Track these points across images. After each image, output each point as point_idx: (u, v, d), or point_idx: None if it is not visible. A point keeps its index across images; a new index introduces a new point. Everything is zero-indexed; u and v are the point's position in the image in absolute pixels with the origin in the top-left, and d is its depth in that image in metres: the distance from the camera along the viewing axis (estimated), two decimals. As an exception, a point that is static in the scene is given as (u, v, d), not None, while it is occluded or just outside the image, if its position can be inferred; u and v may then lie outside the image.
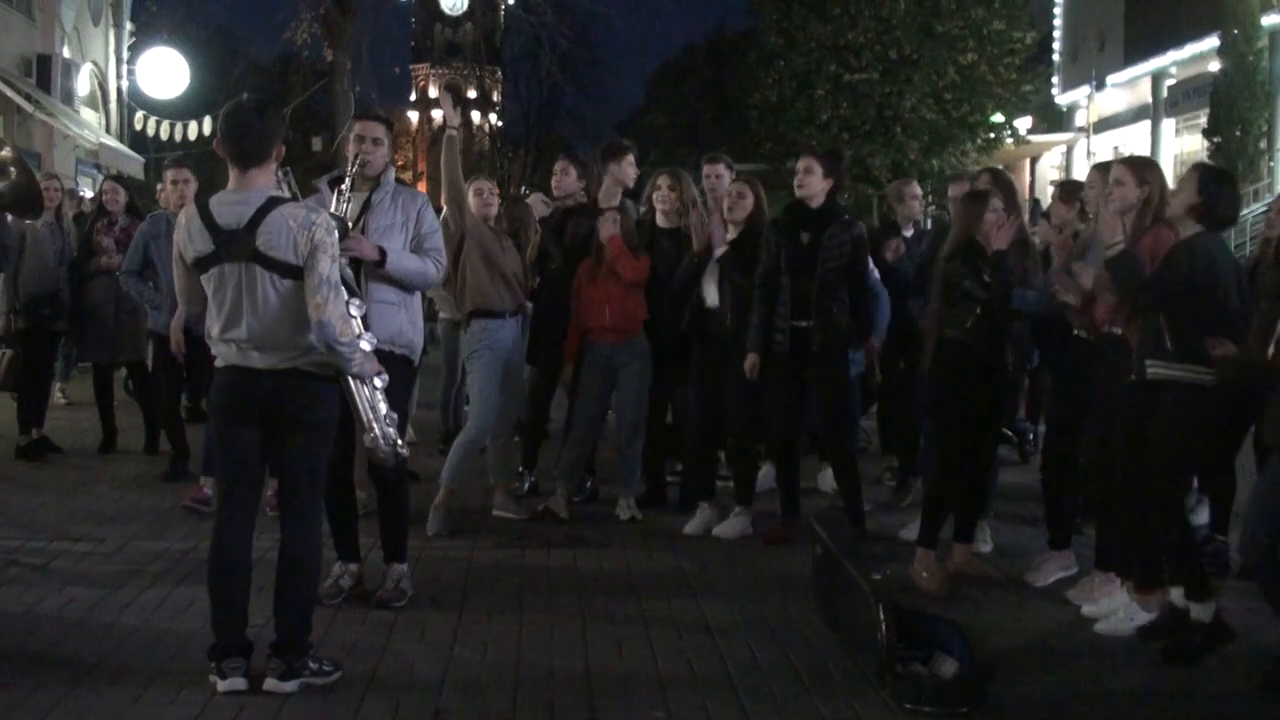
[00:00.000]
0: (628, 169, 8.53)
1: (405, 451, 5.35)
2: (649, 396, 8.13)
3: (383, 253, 5.81)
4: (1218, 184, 5.60)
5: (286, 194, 4.98)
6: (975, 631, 5.52)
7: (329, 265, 4.79)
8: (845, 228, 7.27)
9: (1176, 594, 5.56)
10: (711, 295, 7.68)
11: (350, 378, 5.00)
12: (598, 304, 7.88)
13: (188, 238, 4.90)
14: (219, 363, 4.99)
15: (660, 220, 8.04)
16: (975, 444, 6.63)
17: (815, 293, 7.17)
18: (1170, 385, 5.49)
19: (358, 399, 5.07)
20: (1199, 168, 5.75)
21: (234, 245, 4.78)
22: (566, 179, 8.60)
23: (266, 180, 4.92)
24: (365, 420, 5.11)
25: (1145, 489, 5.57)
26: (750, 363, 7.32)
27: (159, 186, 8.67)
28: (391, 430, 5.20)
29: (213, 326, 4.95)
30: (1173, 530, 5.57)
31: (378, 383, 5.10)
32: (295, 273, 4.79)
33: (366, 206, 5.97)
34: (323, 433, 5.00)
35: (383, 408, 5.14)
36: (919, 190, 9.22)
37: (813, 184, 7.28)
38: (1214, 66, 24.72)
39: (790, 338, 7.24)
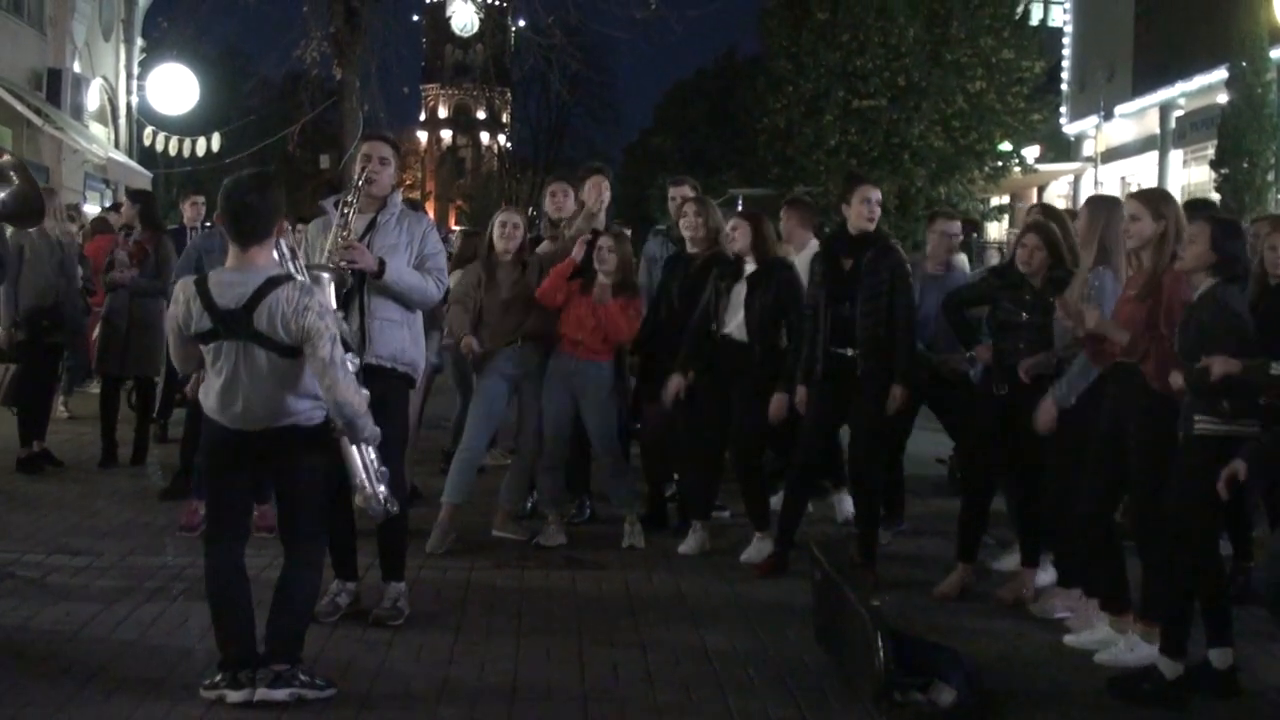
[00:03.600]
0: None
1: (395, 509, 5.32)
2: (655, 419, 8.11)
3: (382, 264, 5.82)
4: (1233, 239, 5.49)
5: (285, 270, 5.04)
6: (975, 661, 5.50)
7: (329, 348, 4.85)
8: (884, 254, 7.14)
9: (1215, 654, 5.46)
10: (726, 323, 7.63)
11: (345, 442, 5.06)
12: (582, 318, 7.73)
13: (188, 315, 4.96)
14: (207, 411, 5.06)
15: (689, 247, 7.99)
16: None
17: (858, 320, 7.05)
18: (1220, 441, 5.33)
19: (350, 457, 5.10)
20: (1210, 221, 5.57)
21: (233, 325, 4.88)
22: (568, 201, 8.55)
23: (266, 259, 5.00)
24: (358, 480, 5.13)
25: (1186, 543, 5.49)
26: (800, 396, 7.22)
27: (183, 204, 8.79)
28: (383, 488, 5.20)
29: (209, 396, 5.01)
30: (1213, 580, 5.52)
31: (369, 452, 5.13)
32: (291, 352, 4.89)
33: (372, 226, 6.00)
34: (321, 470, 5.10)
35: (375, 465, 5.16)
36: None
37: (877, 213, 7.21)
38: (1222, 98, 24.72)
39: (830, 365, 7.13)
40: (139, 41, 28.36)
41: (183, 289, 5.03)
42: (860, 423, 7.20)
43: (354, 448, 5.10)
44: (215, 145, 24.92)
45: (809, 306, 7.26)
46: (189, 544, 7.35)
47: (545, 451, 7.90)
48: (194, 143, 24.93)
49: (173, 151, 25.09)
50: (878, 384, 7.08)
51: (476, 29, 71.44)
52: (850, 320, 7.07)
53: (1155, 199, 6.03)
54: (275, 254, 5.06)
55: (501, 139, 73.82)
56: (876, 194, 7.25)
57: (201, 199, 8.66)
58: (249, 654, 4.96)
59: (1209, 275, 5.42)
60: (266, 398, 4.92)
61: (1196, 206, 8.02)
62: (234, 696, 4.88)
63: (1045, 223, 6.88)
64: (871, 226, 7.18)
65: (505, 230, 7.72)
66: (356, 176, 5.94)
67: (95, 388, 11.42)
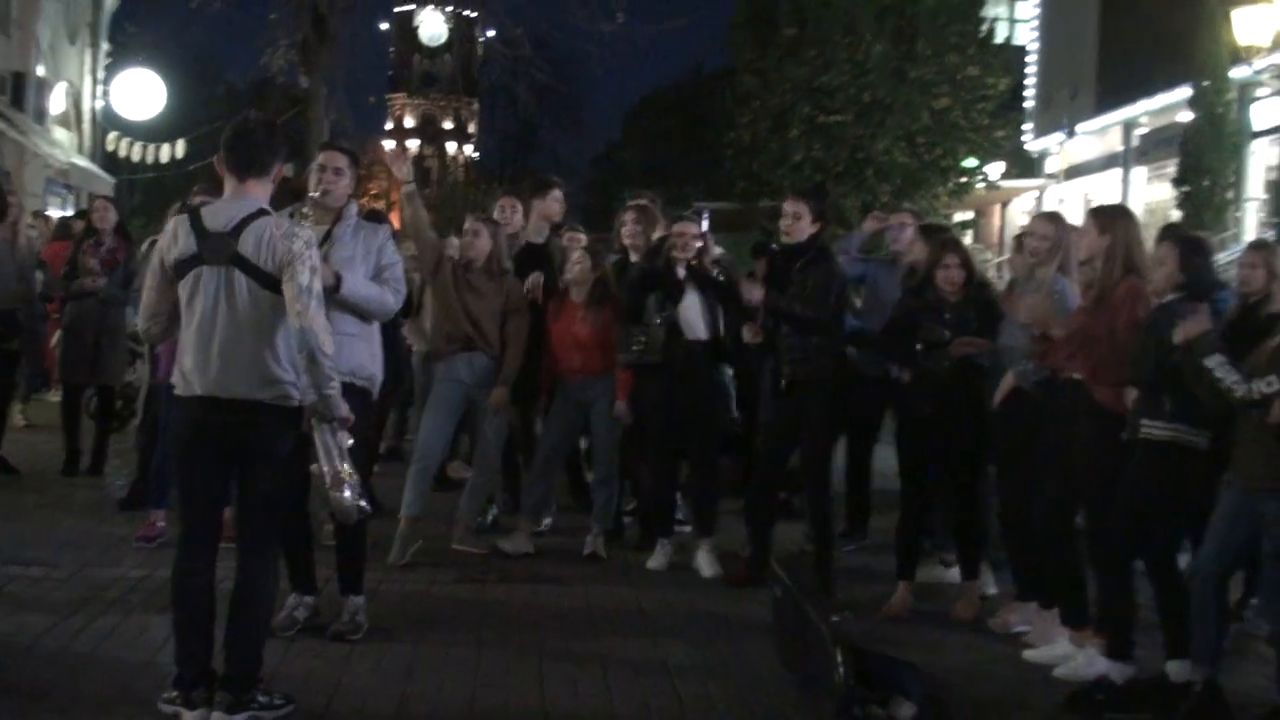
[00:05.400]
0: (553, 204, 8.63)
1: (369, 508, 5.11)
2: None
3: (338, 279, 5.80)
4: (1200, 256, 5.64)
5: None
6: (934, 675, 5.52)
7: (309, 276, 4.78)
8: (813, 262, 7.19)
9: (1174, 666, 5.54)
10: (697, 329, 7.64)
11: (319, 427, 4.86)
12: (566, 345, 7.89)
13: (173, 241, 4.91)
14: (179, 391, 4.94)
15: (633, 256, 8.03)
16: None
17: (784, 332, 7.17)
18: (1165, 446, 5.47)
19: (323, 451, 4.86)
20: (1178, 242, 5.69)
21: (217, 246, 4.80)
22: (516, 216, 8.55)
23: (262, 194, 4.98)
24: (331, 474, 4.87)
25: (1141, 551, 5.57)
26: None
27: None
28: (358, 485, 4.97)
29: (183, 353, 4.89)
30: (1170, 592, 5.60)
31: (346, 439, 4.92)
32: (272, 284, 4.78)
33: (328, 238, 5.96)
34: (284, 468, 4.94)
35: (349, 463, 4.91)
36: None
37: (802, 228, 7.24)
38: (1184, 117, 24.96)
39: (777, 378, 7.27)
40: (105, 46, 28.14)
41: (173, 219, 5.04)
42: (806, 442, 7.22)
43: (331, 440, 4.85)
44: (180, 152, 24.76)
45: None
46: (147, 555, 7.31)
47: (539, 465, 8.01)
48: (158, 149, 24.76)
49: (136, 157, 24.90)
50: (816, 401, 7.14)
51: (445, 39, 71.32)
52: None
53: (1104, 213, 6.15)
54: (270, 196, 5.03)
55: (468, 149, 73.63)
56: (793, 207, 7.31)
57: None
58: (205, 671, 4.88)
59: (1176, 294, 5.50)
60: (240, 351, 4.78)
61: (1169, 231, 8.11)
62: (189, 716, 4.80)
63: (961, 242, 7.02)
64: (795, 239, 7.26)
65: (465, 238, 7.74)
66: (311, 188, 5.91)
67: (54, 396, 11.30)
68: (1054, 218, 6.68)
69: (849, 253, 8.49)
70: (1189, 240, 5.77)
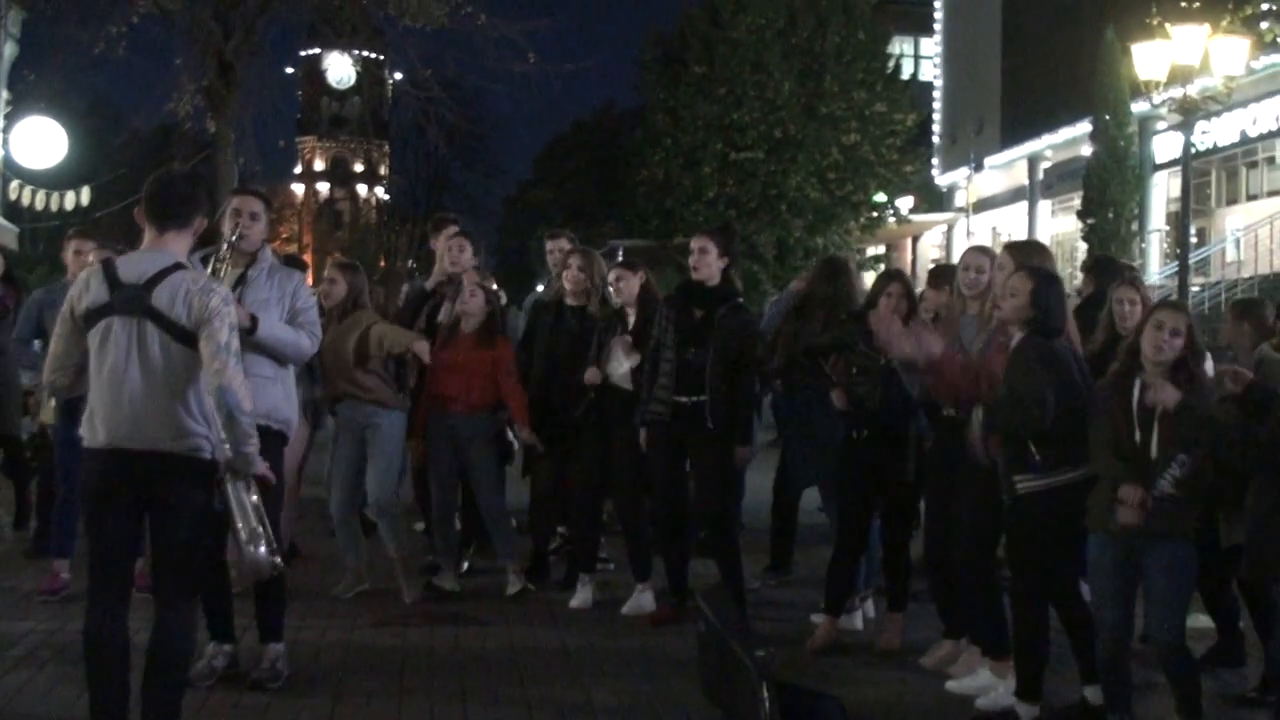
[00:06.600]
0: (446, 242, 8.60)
1: (281, 564, 5.08)
2: (537, 469, 8.10)
3: (254, 320, 5.72)
4: (1053, 291, 5.60)
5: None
6: (858, 709, 5.52)
7: (228, 334, 4.72)
8: (738, 311, 7.22)
9: (1090, 692, 5.61)
10: (609, 373, 7.60)
11: (233, 483, 4.81)
12: (450, 371, 7.75)
13: (84, 289, 4.82)
14: (88, 443, 4.83)
15: (569, 299, 8.00)
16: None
17: (708, 370, 7.07)
18: (1043, 495, 5.49)
19: (237, 507, 4.81)
20: (1032, 275, 5.62)
21: (129, 298, 4.72)
22: (464, 255, 8.48)
23: (180, 248, 4.91)
24: (245, 531, 4.82)
25: (1047, 591, 5.62)
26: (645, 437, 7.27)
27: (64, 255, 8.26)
28: (271, 542, 4.93)
29: (92, 403, 4.79)
30: (1078, 623, 5.67)
31: (254, 498, 4.85)
32: (186, 338, 4.70)
33: (242, 280, 5.90)
34: (199, 519, 4.84)
35: (263, 521, 4.87)
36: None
37: (709, 263, 7.24)
38: (1087, 150, 25.48)
39: (674, 413, 7.14)
40: (4, 93, 27.67)
41: (86, 269, 4.96)
42: (710, 475, 7.18)
43: (245, 496, 4.81)
44: (85, 199, 24.39)
45: (654, 350, 7.27)
46: (57, 608, 7.14)
47: (435, 506, 7.95)
48: (63, 197, 24.37)
49: (40, 206, 24.49)
50: (727, 435, 7.12)
51: (353, 81, 71.08)
52: (695, 368, 7.08)
53: (1021, 250, 6.23)
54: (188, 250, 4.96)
55: (379, 191, 73.37)
56: (699, 243, 7.30)
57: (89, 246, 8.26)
58: None
59: (1023, 328, 5.54)
60: (153, 404, 4.68)
61: (1102, 265, 8.24)
62: None
63: (904, 272, 7.07)
64: (703, 276, 7.22)
65: (323, 285, 7.75)
66: (227, 233, 5.84)
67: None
68: (988, 250, 6.69)
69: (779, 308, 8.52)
70: (1043, 274, 5.72)
